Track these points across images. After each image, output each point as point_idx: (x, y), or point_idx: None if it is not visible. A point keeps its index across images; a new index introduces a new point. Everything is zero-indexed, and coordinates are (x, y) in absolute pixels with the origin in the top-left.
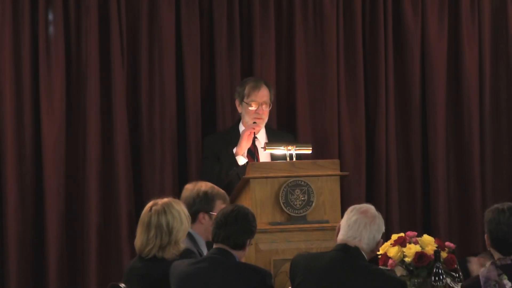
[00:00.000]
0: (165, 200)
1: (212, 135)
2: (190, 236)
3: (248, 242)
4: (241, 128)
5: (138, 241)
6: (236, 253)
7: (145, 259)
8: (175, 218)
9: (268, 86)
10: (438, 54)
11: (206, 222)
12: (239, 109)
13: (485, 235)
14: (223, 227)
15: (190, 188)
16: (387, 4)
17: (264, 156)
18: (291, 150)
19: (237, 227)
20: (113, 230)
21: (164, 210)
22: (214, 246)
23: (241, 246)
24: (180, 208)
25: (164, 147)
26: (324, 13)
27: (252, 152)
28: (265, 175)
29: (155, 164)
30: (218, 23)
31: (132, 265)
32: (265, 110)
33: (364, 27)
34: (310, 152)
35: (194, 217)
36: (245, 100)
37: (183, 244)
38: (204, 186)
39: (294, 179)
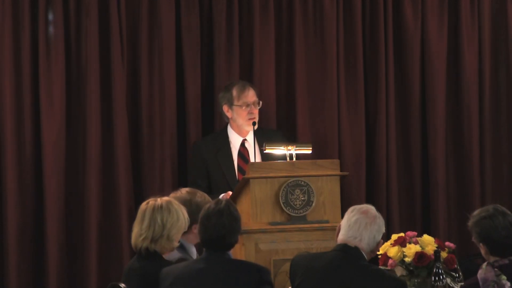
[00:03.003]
0: (166, 198)
1: (201, 140)
2: (181, 245)
3: (238, 238)
4: (230, 132)
5: (133, 234)
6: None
7: (143, 259)
8: (171, 213)
9: (252, 86)
10: (438, 54)
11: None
12: (229, 115)
13: (480, 245)
14: (212, 230)
15: (183, 198)
16: (387, 4)
17: (255, 158)
18: (291, 150)
19: (227, 229)
20: (113, 229)
21: (161, 205)
22: (206, 248)
23: (233, 245)
24: (179, 208)
25: (164, 147)
26: (324, 13)
27: (243, 155)
28: (265, 175)
29: (155, 164)
30: (218, 23)
31: (130, 265)
32: (257, 110)
33: (364, 27)
34: (310, 152)
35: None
36: (235, 103)
37: (176, 253)
38: (198, 197)
39: (294, 179)
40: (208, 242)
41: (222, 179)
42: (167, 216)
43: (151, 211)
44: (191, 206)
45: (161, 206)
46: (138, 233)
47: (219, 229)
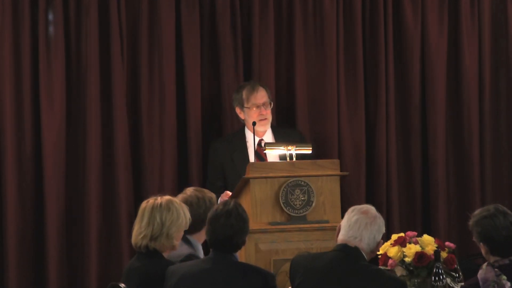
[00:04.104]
0: (167, 197)
1: (218, 141)
2: (188, 242)
3: (246, 240)
4: (247, 133)
5: (133, 232)
6: (235, 253)
7: (143, 258)
8: (170, 212)
9: (263, 86)
10: (438, 54)
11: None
12: (242, 116)
13: (481, 245)
14: (220, 230)
15: (195, 196)
16: (387, 4)
17: (272, 158)
18: (291, 150)
19: (235, 229)
20: (113, 230)
21: (161, 204)
22: (213, 249)
23: (240, 246)
24: (180, 207)
25: (164, 147)
26: (324, 13)
27: (260, 155)
28: (265, 175)
29: (155, 164)
30: (218, 22)
31: (130, 264)
32: (268, 110)
33: (364, 27)
34: (310, 152)
35: (203, 224)
36: (245, 105)
37: (185, 249)
38: (207, 193)
39: (294, 179)
40: (215, 243)
41: (239, 179)
42: (166, 214)
43: (150, 210)
44: (205, 203)
45: (161, 205)
46: (137, 231)
47: (227, 230)
